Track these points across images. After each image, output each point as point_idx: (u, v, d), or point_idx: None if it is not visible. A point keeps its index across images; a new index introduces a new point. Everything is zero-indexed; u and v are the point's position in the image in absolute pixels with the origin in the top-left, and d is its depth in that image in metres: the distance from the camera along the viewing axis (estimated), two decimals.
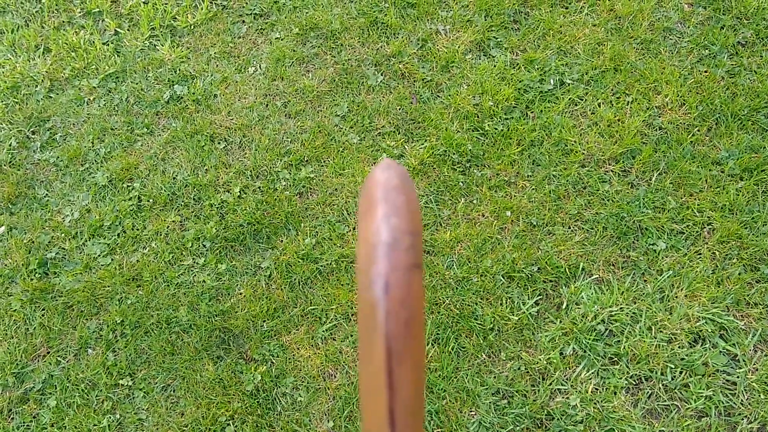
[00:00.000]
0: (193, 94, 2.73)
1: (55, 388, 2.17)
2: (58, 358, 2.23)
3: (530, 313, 2.08)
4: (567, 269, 2.14)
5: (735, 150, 2.29)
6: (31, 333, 2.28)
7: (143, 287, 2.30)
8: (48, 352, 2.25)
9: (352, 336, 2.12)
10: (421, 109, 2.54)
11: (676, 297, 2.05)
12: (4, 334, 2.30)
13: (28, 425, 2.11)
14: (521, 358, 2.02)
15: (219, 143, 2.58)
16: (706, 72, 2.49)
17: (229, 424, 2.02)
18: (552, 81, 2.54)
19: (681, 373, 1.94)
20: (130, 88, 2.80)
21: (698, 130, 2.35)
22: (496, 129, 2.44)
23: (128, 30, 3.01)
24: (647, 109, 2.42)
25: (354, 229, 2.30)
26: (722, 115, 2.37)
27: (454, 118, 2.49)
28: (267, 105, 2.66)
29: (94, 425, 2.09)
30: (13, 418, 2.14)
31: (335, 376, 2.06)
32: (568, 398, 1.93)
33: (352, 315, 2.15)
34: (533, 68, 2.58)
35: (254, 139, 2.57)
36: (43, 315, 2.31)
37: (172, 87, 2.77)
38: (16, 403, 2.16)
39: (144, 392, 2.12)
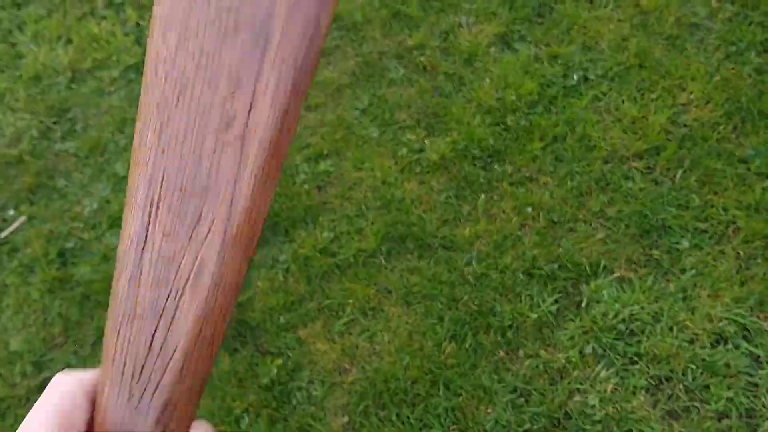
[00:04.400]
0: None
1: None
2: (76, 348, 2.24)
3: (550, 310, 2.05)
4: (588, 267, 2.11)
5: (762, 148, 2.24)
6: (50, 322, 2.29)
7: None
8: (65, 342, 2.26)
9: (369, 331, 2.10)
10: (443, 102, 2.52)
11: (699, 297, 2.01)
12: (23, 323, 2.31)
13: None
14: (540, 356, 1.99)
15: None
16: (733, 69, 2.44)
17: (243, 417, 2.02)
18: (576, 76, 2.50)
19: (702, 374, 1.90)
20: None
21: (724, 128, 2.31)
22: (518, 124, 2.41)
23: (150, 21, 3.00)
24: (672, 106, 2.38)
25: (372, 223, 2.29)
26: (749, 113, 2.32)
27: (476, 113, 2.47)
28: None
29: None
30: (31, 407, 2.15)
31: (351, 371, 2.05)
32: (586, 398, 1.91)
33: (370, 310, 2.14)
34: (557, 63, 2.54)
35: None
36: (61, 305, 2.32)
37: None
38: (34, 391, 2.17)
39: None
